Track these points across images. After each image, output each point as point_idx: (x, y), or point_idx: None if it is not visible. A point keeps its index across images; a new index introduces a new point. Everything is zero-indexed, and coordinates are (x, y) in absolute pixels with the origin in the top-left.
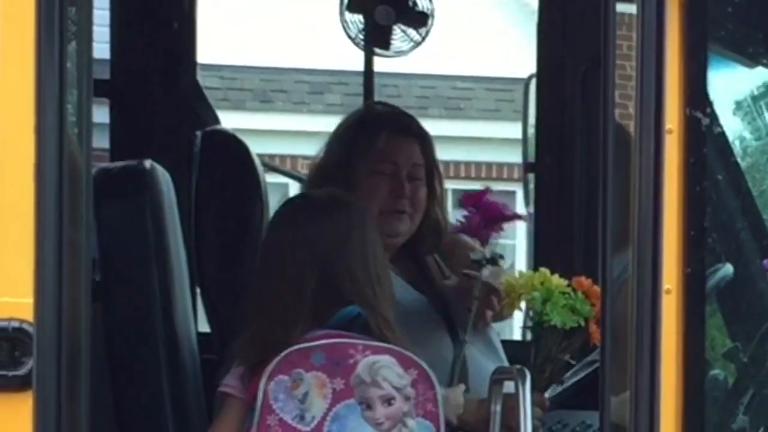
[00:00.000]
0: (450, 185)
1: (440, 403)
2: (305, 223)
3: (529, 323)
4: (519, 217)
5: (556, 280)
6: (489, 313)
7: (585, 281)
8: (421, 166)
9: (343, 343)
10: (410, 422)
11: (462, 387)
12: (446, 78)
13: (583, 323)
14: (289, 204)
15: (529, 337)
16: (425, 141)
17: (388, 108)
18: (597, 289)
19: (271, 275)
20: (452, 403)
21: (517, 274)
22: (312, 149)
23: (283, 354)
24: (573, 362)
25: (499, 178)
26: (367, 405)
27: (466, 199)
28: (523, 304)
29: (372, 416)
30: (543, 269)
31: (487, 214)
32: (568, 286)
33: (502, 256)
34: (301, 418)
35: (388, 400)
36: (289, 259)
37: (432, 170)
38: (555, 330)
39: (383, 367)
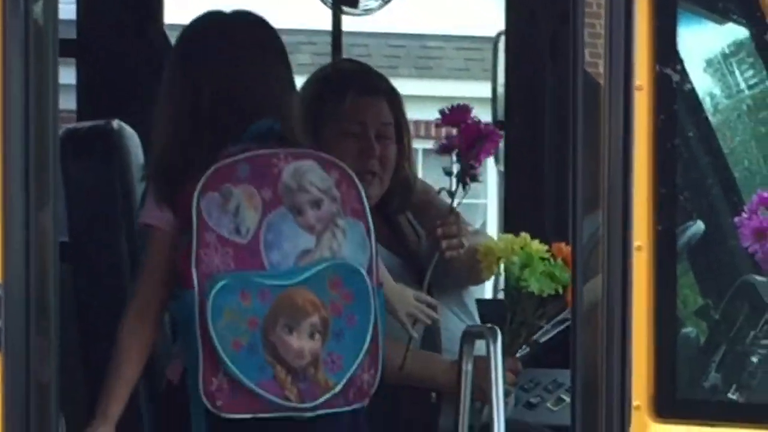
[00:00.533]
0: (419, 145)
1: (365, 204)
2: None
3: (504, 287)
4: (499, 136)
5: (536, 246)
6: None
7: (565, 248)
8: (390, 124)
9: (266, 154)
10: (340, 222)
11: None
12: (416, 37)
13: (561, 291)
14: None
15: (503, 297)
16: (394, 98)
17: (356, 66)
18: None
19: (162, 101)
20: (398, 293)
21: (491, 236)
22: None
23: (209, 172)
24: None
25: None
26: (297, 211)
27: (446, 118)
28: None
29: (304, 221)
30: (524, 234)
31: (469, 134)
32: (548, 252)
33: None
34: (237, 231)
35: (317, 203)
36: (170, 79)
37: (401, 128)
38: (532, 296)
39: (307, 172)
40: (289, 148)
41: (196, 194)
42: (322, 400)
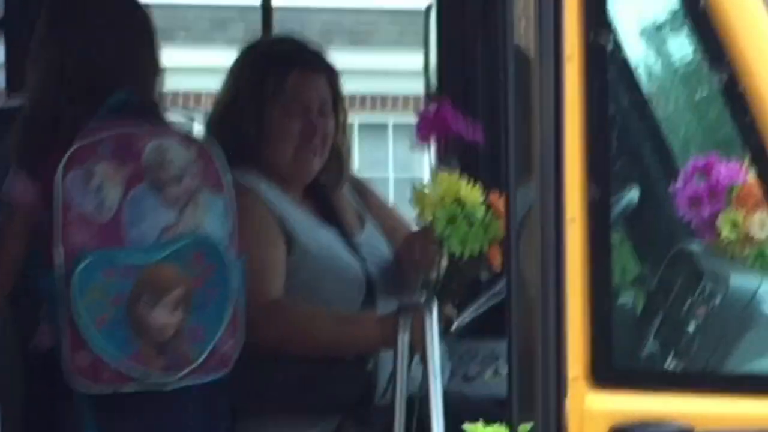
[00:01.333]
0: (355, 119)
1: (224, 179)
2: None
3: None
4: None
5: (473, 195)
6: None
7: (500, 200)
8: (328, 99)
9: (127, 132)
10: (201, 197)
11: None
12: (349, 11)
13: (486, 248)
14: None
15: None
16: (332, 73)
17: (297, 44)
18: None
19: (32, 62)
20: None
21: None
22: (214, 84)
23: (71, 149)
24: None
25: (405, 109)
26: (158, 187)
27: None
28: None
29: (165, 197)
30: (463, 180)
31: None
32: (483, 203)
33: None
34: (100, 208)
35: (178, 180)
36: (41, 39)
37: (338, 103)
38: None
39: (168, 149)
40: (148, 125)
41: (59, 172)
42: (185, 371)
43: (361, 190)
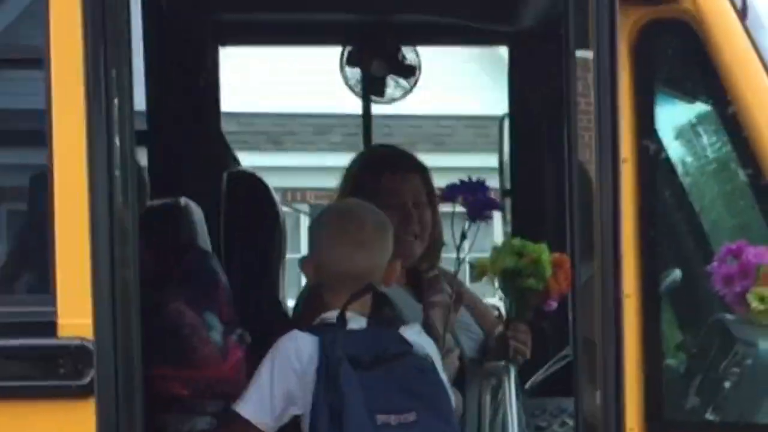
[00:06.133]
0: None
1: None
2: None
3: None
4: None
5: (545, 255)
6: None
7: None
8: (422, 193)
9: None
10: None
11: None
12: (431, 118)
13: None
14: None
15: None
16: (424, 171)
17: (389, 149)
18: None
19: None
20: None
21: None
22: (317, 182)
23: None
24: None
25: None
26: None
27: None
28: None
29: None
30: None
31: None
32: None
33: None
34: None
35: None
36: None
37: (432, 196)
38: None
39: None
40: None
41: None
42: None
43: (451, 279)
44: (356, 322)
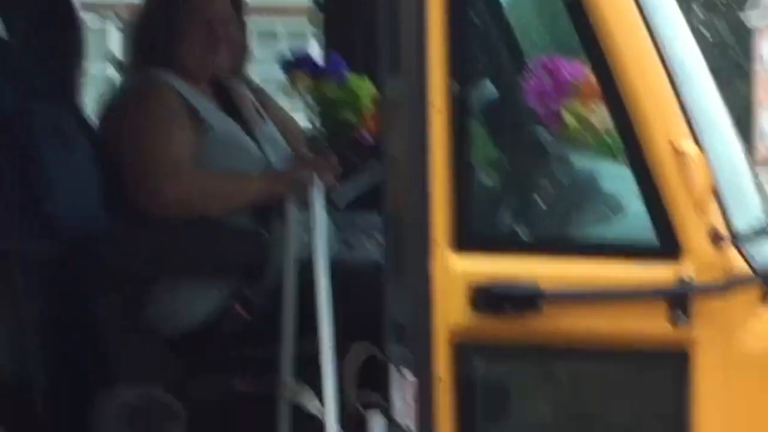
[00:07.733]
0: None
1: None
2: None
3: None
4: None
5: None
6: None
7: None
8: (228, 3)
9: None
10: None
11: None
12: None
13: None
14: None
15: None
16: None
17: None
18: None
19: None
20: None
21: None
22: None
23: None
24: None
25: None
26: None
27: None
28: None
29: None
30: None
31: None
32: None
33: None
34: None
35: None
36: None
37: (238, 8)
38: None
39: None
40: None
41: None
42: None
43: (259, 95)
44: None
